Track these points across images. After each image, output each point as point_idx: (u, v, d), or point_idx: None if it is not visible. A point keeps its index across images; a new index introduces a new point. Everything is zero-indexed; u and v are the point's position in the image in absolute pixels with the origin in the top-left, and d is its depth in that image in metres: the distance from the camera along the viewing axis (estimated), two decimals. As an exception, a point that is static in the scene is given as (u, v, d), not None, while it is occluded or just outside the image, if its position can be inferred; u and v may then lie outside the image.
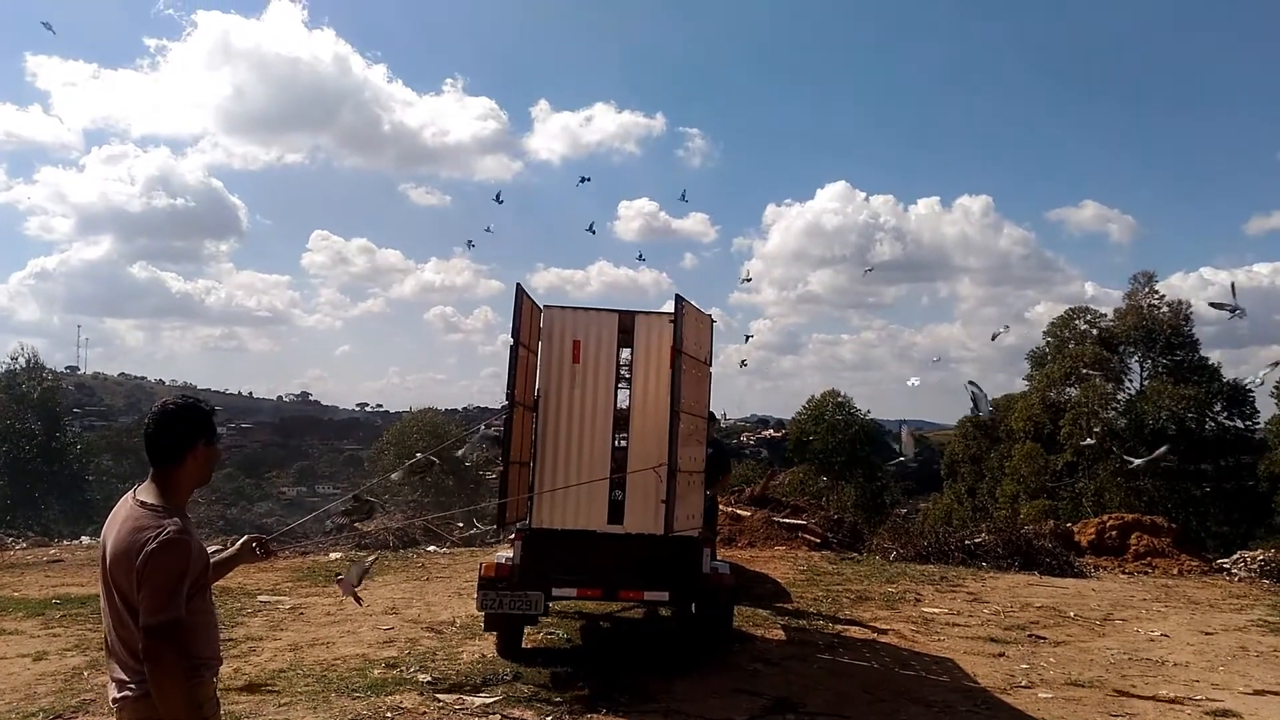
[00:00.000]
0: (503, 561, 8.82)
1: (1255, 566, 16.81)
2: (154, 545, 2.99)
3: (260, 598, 12.03)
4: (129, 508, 3.17)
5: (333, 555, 16.01)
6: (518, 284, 9.05)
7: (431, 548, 17.50)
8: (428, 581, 13.64)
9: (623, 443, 9.68)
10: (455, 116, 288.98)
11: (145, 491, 3.20)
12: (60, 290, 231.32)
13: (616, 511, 9.32)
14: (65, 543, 19.01)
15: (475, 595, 8.82)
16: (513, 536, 9.12)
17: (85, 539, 19.41)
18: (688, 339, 8.88)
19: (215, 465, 3.42)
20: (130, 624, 3.07)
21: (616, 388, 9.68)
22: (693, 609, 9.22)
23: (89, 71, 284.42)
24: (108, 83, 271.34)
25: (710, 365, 10.11)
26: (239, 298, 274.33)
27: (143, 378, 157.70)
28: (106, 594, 3.19)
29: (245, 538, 3.94)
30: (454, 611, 11.20)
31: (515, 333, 8.89)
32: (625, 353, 9.85)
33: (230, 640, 9.61)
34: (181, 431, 3.25)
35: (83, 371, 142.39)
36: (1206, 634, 11.22)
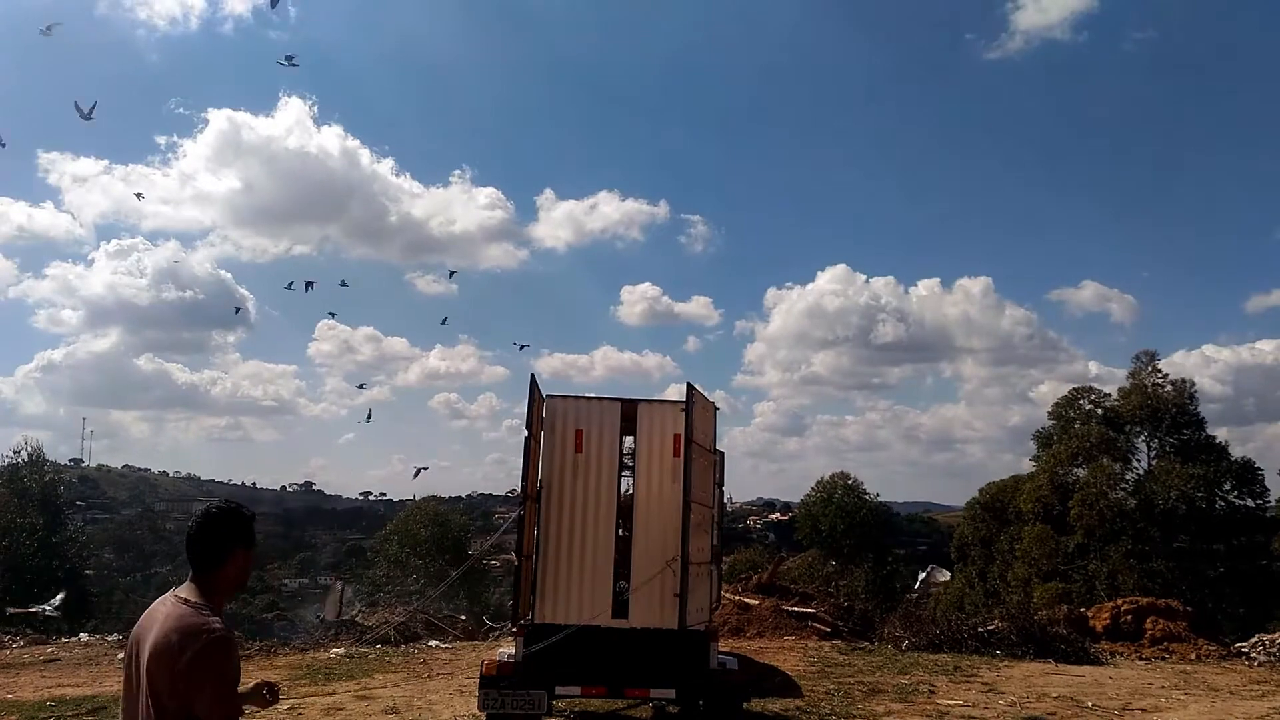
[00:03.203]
0: (505, 659, 8.64)
1: (1275, 649, 16.47)
2: (210, 642, 3.06)
3: (258, 697, 11.77)
4: (170, 605, 3.21)
5: (333, 652, 15.72)
6: (531, 375, 9.10)
7: (434, 642, 17.21)
8: (429, 679, 13.36)
9: (626, 532, 9.58)
10: (462, 206, 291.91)
11: (186, 592, 3.27)
12: (66, 382, 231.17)
13: (621, 605, 9.16)
14: (63, 640, 18.69)
15: (477, 694, 8.61)
16: (514, 632, 8.95)
17: (84, 636, 19.10)
18: (696, 428, 8.87)
19: (252, 570, 3.51)
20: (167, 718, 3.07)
21: (620, 476, 9.61)
22: (700, 706, 9.00)
23: (100, 167, 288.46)
24: (118, 177, 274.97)
25: (713, 452, 10.08)
26: (245, 388, 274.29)
27: (146, 469, 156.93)
28: (132, 693, 3.19)
29: (256, 683, 3.89)
30: (455, 710, 10.94)
31: (529, 424, 8.88)
32: (628, 440, 9.80)
33: (226, 744, 9.38)
34: (223, 536, 3.33)
35: (87, 464, 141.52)
36: (1229, 723, 10.94)
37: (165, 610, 3.20)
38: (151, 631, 3.16)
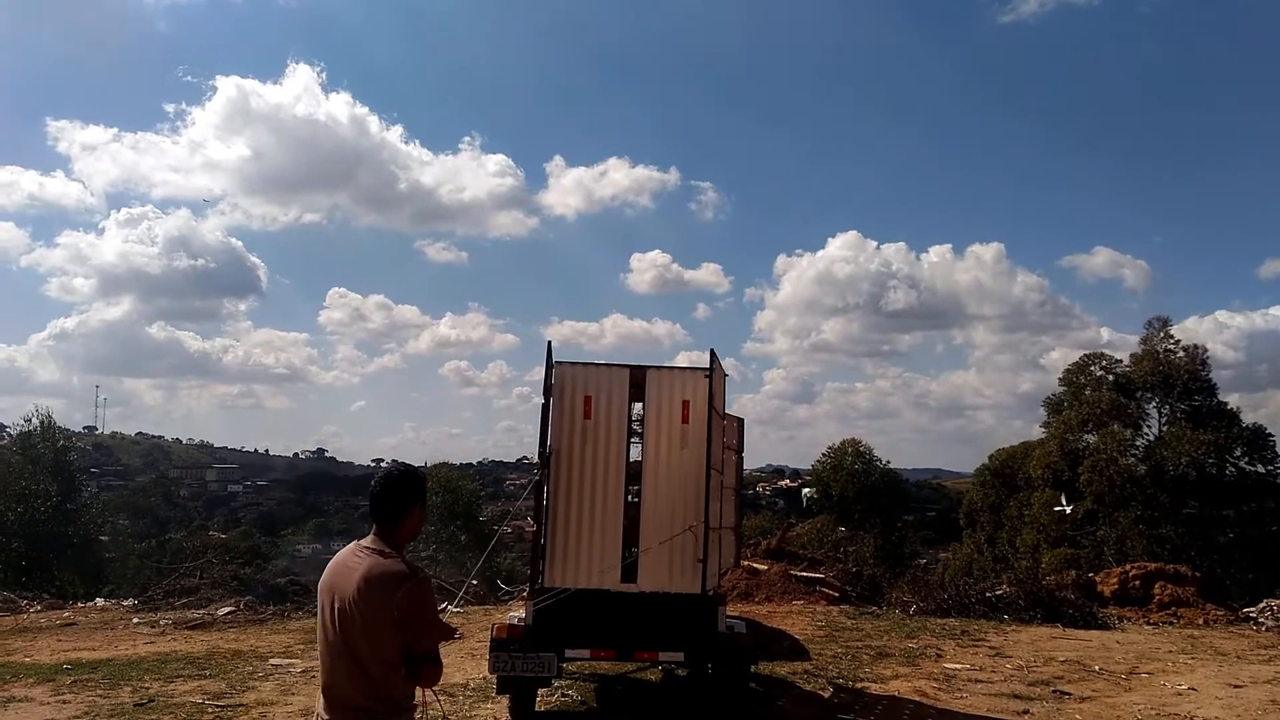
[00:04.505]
0: (515, 622, 8.71)
1: (1283, 615, 16.50)
2: (417, 583, 3.55)
3: (272, 661, 11.92)
4: (365, 555, 3.63)
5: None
6: (549, 343, 9.12)
7: (444, 605, 17.35)
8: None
9: (635, 498, 9.61)
10: (471, 174, 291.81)
11: (372, 543, 3.68)
12: (79, 351, 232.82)
13: (630, 569, 9.21)
14: (79, 605, 18.92)
15: (487, 657, 8.70)
16: (525, 596, 9.03)
17: (100, 601, 19.33)
18: (715, 395, 8.95)
19: (423, 525, 4.03)
20: (371, 659, 3.51)
21: (628, 443, 9.62)
22: (709, 669, 9.07)
23: (109, 135, 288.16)
24: (128, 145, 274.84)
25: (724, 418, 10.12)
26: (257, 356, 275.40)
27: (160, 437, 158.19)
28: (334, 633, 3.59)
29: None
30: (467, 673, 11.05)
31: (547, 392, 8.93)
32: (637, 407, 9.81)
33: (241, 705, 9.52)
34: (404, 495, 3.78)
35: (100, 431, 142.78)
36: (1236, 687, 10.97)
37: (360, 559, 3.62)
38: (352, 578, 3.57)
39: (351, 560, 3.66)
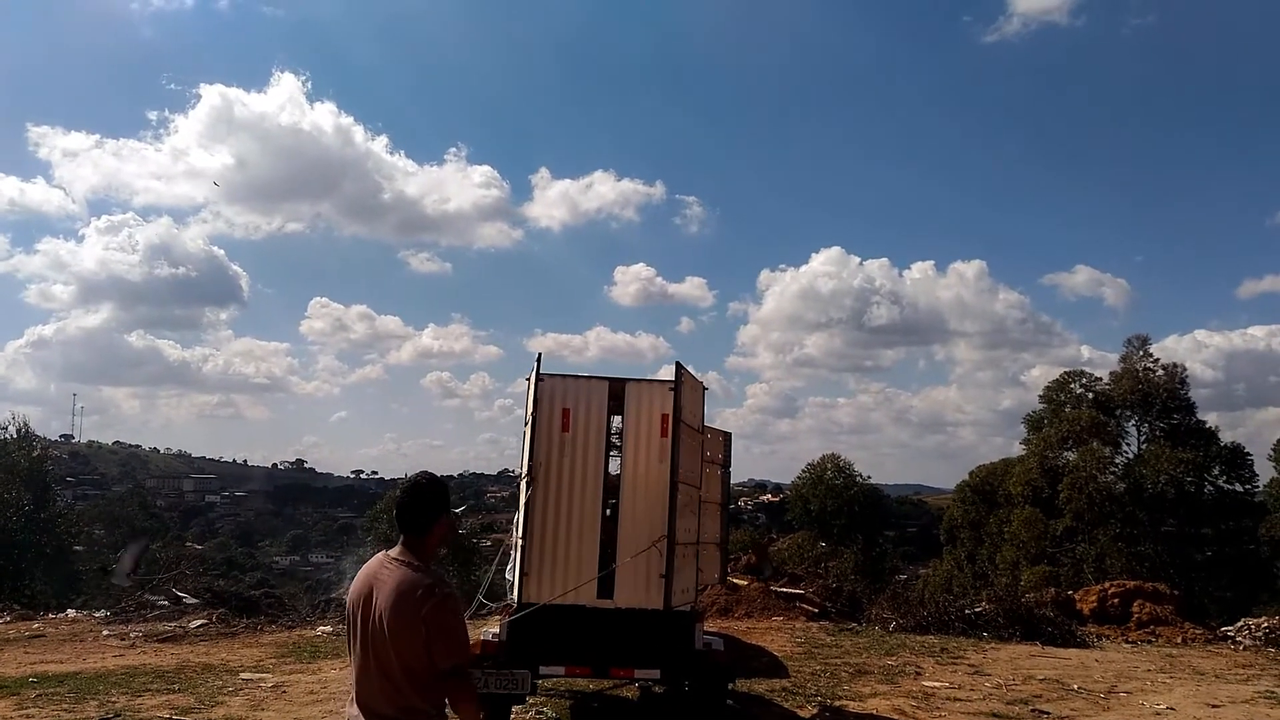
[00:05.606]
0: (489, 638, 8.59)
1: (1260, 634, 16.51)
2: (443, 598, 3.54)
3: (242, 675, 11.72)
4: (395, 567, 3.62)
5: (319, 630, 15.68)
6: (539, 355, 9.06)
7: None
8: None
9: (612, 512, 9.51)
10: (456, 185, 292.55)
11: (400, 554, 3.66)
12: (57, 358, 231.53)
13: (606, 585, 9.10)
14: (50, 616, 18.62)
15: None
16: (501, 611, 8.91)
17: (71, 612, 19.03)
18: (685, 407, 8.83)
19: (451, 535, 3.94)
20: (400, 671, 3.52)
21: (607, 456, 9.52)
22: (686, 686, 8.97)
23: (91, 142, 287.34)
24: (110, 152, 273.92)
25: (702, 432, 10.04)
26: (237, 365, 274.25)
27: (137, 446, 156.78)
28: (374, 645, 3.58)
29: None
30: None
31: (535, 404, 8.87)
32: (616, 420, 9.71)
33: (209, 721, 9.35)
34: (430, 505, 3.73)
35: (77, 440, 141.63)
36: (1214, 707, 10.94)
37: (390, 572, 3.61)
38: (382, 590, 3.58)
39: (381, 572, 3.66)
